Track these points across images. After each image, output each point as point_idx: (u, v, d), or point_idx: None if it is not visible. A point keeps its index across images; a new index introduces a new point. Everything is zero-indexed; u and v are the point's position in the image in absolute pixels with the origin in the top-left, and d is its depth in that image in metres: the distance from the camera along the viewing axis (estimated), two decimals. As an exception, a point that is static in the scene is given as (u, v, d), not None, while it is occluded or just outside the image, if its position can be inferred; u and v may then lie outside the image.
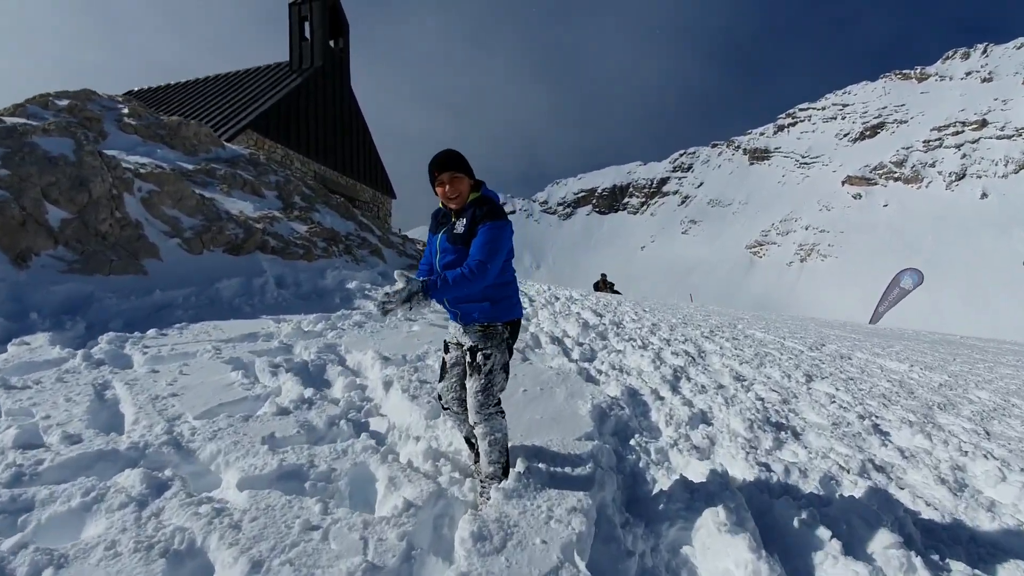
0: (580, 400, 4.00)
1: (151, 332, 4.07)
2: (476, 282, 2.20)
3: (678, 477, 3.12)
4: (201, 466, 2.54)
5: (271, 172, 8.69)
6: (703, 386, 5.33)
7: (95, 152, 5.42)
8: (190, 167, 7.45)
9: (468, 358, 2.47)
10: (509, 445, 2.98)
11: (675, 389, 5.10)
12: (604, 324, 7.87)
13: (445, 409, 2.86)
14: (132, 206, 5.65)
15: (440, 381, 2.82)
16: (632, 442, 3.72)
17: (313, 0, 20.43)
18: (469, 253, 2.32)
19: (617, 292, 19.68)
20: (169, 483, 2.23)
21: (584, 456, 3.04)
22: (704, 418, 4.46)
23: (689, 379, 5.53)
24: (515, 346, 5.38)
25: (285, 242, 6.78)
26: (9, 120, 5.33)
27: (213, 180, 7.45)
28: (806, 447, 4.08)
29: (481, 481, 2.57)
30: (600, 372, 5.23)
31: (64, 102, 7.20)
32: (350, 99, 22.19)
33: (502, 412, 2.51)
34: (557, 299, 10.05)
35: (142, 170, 6.04)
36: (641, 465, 3.37)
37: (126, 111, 7.89)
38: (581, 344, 6.26)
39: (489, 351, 2.42)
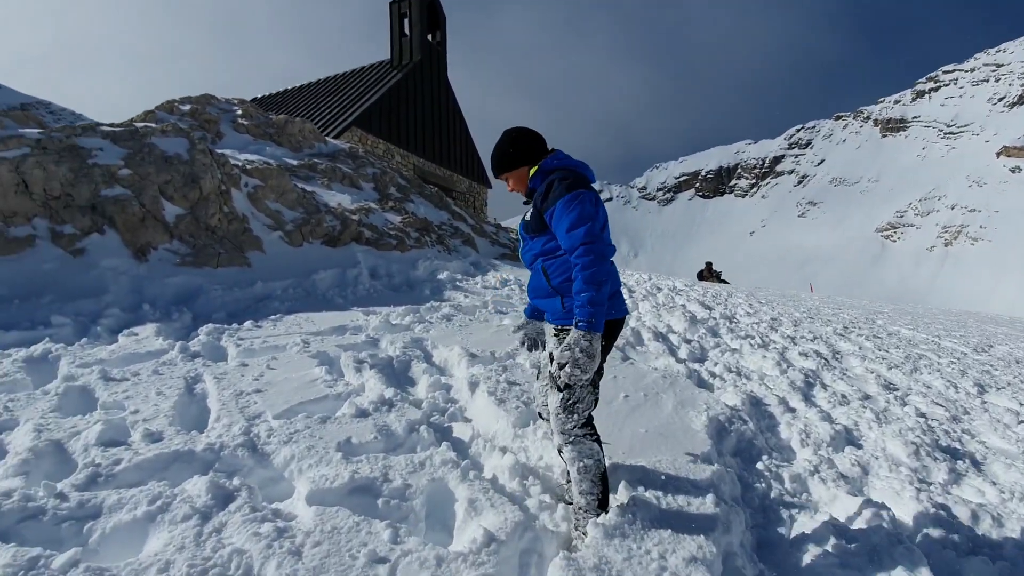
0: (692, 411, 3.42)
1: (247, 324, 4.11)
2: (595, 268, 1.76)
3: (826, 517, 2.48)
4: (275, 471, 2.37)
5: (368, 164, 8.85)
6: (844, 396, 4.46)
7: (206, 151, 5.69)
8: (294, 162, 7.74)
9: (550, 367, 2.05)
10: (608, 464, 2.53)
11: (808, 399, 4.30)
12: (714, 318, 7.06)
13: (539, 416, 2.48)
14: (239, 201, 5.90)
15: (536, 381, 2.44)
16: (760, 466, 3.09)
17: (411, -3, 20.88)
18: (557, 244, 1.95)
19: (725, 282, 18.16)
20: (236, 493, 2.06)
21: (701, 483, 2.50)
22: (850, 438, 3.67)
23: (825, 386, 4.67)
24: (618, 344, 4.89)
25: (379, 233, 6.78)
26: (138, 124, 5.74)
27: (315, 174, 7.68)
28: (994, 483, 3.17)
29: (576, 511, 2.14)
30: (713, 376, 4.56)
31: (187, 107, 7.81)
32: (447, 91, 22.50)
33: (593, 435, 2.07)
34: (659, 289, 9.28)
35: (249, 166, 6.30)
36: (773, 496, 2.75)
37: (240, 112, 8.40)
38: (689, 341, 5.58)
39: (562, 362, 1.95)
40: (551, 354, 2.09)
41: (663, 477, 2.52)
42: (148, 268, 4.92)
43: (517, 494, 2.44)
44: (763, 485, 2.85)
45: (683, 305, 7.90)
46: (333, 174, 7.86)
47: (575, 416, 2.00)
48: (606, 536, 2.03)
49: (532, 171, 2.03)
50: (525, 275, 7.51)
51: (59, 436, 2.37)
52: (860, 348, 6.45)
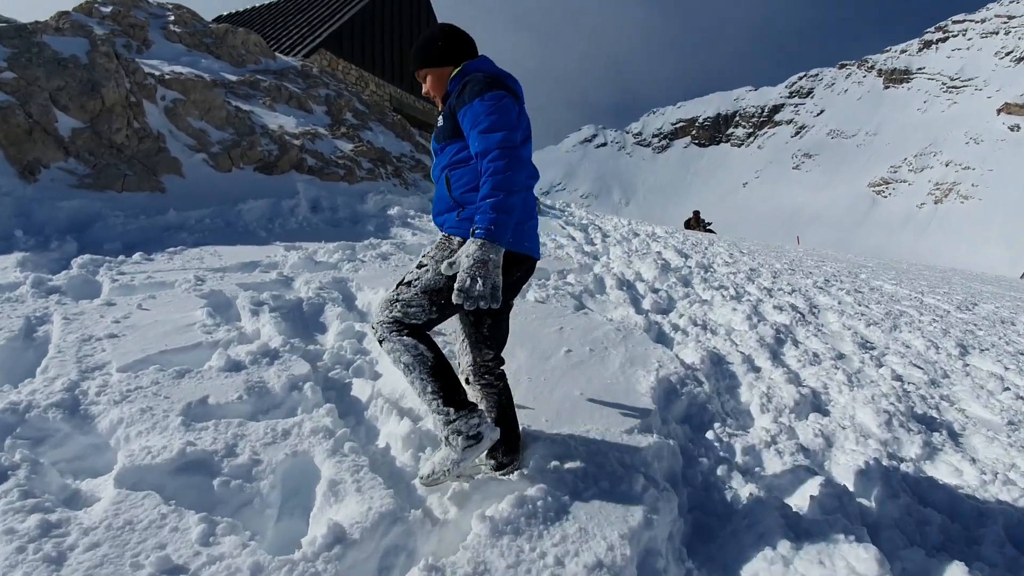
0: (642, 369, 2.97)
1: (136, 256, 3.53)
2: (509, 173, 1.51)
3: (777, 503, 2.08)
4: (98, 438, 1.89)
5: (322, 85, 7.96)
6: (816, 355, 4.06)
7: (111, 53, 4.87)
8: (233, 78, 6.88)
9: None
10: (524, 434, 2.08)
11: (776, 357, 3.89)
12: (689, 267, 6.59)
13: (464, 381, 1.99)
14: (154, 116, 5.14)
15: (459, 336, 2.07)
16: (710, 435, 2.68)
17: (390, -98, 18.84)
18: (468, 154, 1.69)
19: (711, 231, 17.66)
20: (12, 472, 1.57)
21: (633, 460, 2.08)
22: (817, 403, 3.27)
23: (796, 343, 4.26)
24: (572, 291, 4.40)
25: (325, 161, 6.08)
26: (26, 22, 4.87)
27: (256, 92, 6.85)
28: (973, 460, 2.81)
29: (435, 426, 1.78)
30: (676, 328, 4.12)
31: (108, 8, 6.80)
32: (428, 14, 20.84)
33: (408, 331, 1.71)
34: (636, 235, 8.76)
35: (168, 77, 5.48)
36: (719, 473, 2.34)
37: (172, 19, 7.39)
38: (657, 291, 5.11)
39: (426, 261, 1.76)
40: (420, 260, 1.80)
41: (586, 452, 2.08)
42: (37, 189, 4.25)
43: (405, 470, 1.99)
44: (710, 460, 2.44)
45: (658, 252, 7.41)
46: (278, 93, 7.02)
47: (388, 310, 1.71)
48: (493, 534, 1.59)
49: (454, 72, 1.77)
50: (487, 214, 6.92)
51: None
52: (839, 303, 6.06)
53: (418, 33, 20.03)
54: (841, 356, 4.20)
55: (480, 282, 1.45)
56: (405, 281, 1.75)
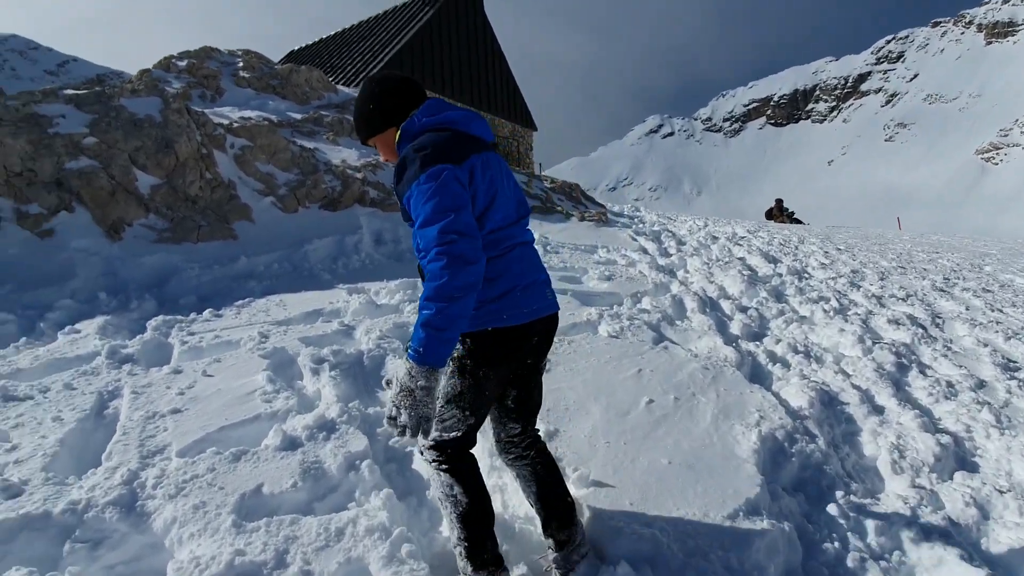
0: (739, 423, 2.56)
1: (206, 313, 3.58)
2: (445, 280, 1.31)
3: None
4: (154, 537, 1.81)
5: (383, 114, 8.01)
6: (950, 384, 3.41)
7: (182, 109, 5.09)
8: (298, 116, 7.08)
9: None
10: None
11: (901, 390, 3.29)
12: (780, 275, 5.94)
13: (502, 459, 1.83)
14: (224, 165, 5.32)
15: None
16: (832, 508, 2.23)
17: (442, -79, 19.10)
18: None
19: (798, 221, 16.28)
20: (59, 595, 1.49)
21: (743, 561, 1.72)
22: (962, 454, 2.69)
23: (924, 370, 3.61)
24: (649, 319, 4.01)
25: (387, 192, 6.07)
26: (104, 86, 5.20)
27: (320, 128, 7.00)
28: None
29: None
30: (773, 359, 3.62)
31: (184, 62, 7.24)
32: (485, 27, 20.88)
33: (447, 466, 1.57)
34: (715, 239, 8.10)
35: (236, 124, 5.68)
36: (851, 565, 1.91)
37: (241, 65, 7.75)
38: (745, 309, 4.59)
39: None
40: None
41: (682, 552, 1.74)
42: (122, 247, 4.48)
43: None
44: (835, 545, 2.01)
45: (741, 259, 6.77)
46: (340, 127, 7.14)
47: (429, 433, 1.44)
48: None
49: (398, 136, 1.57)
50: (552, 233, 6.63)
51: (-102, 491, 1.89)
52: (967, 308, 5.19)
53: (476, 46, 20.15)
54: (982, 384, 3.51)
55: (404, 413, 1.32)
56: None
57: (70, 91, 4.85)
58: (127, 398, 2.55)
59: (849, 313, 4.65)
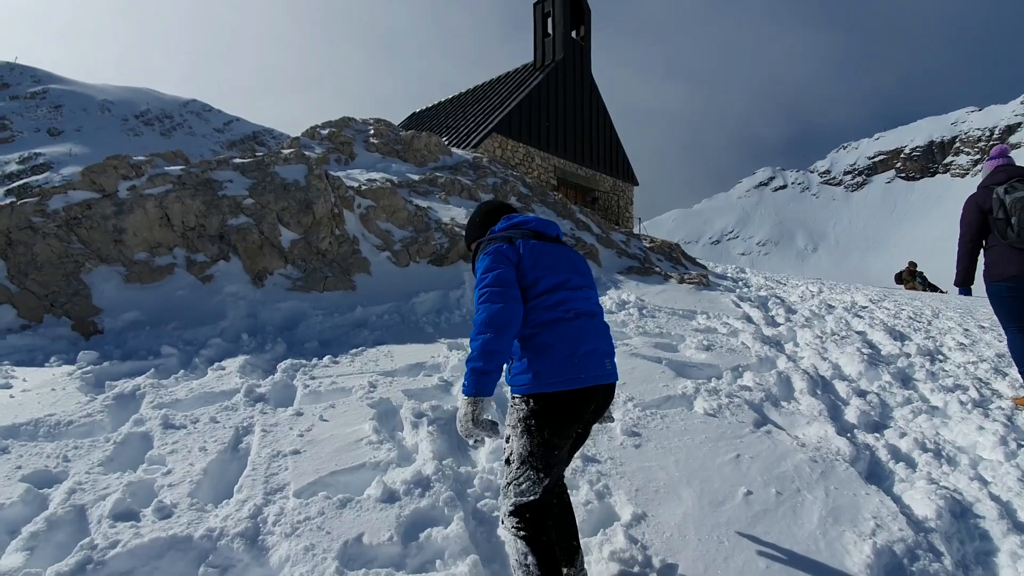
0: (851, 530, 2.35)
1: (326, 359, 3.98)
2: (486, 315, 1.65)
3: None
4: (270, 572, 2.03)
5: (490, 174, 8.59)
6: None
7: (322, 175, 5.85)
8: (416, 177, 7.78)
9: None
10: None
11: (1060, 510, 2.81)
12: (908, 354, 5.36)
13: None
14: (351, 222, 5.97)
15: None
16: (964, 650, 1.95)
17: (554, -6, 20.50)
18: None
19: (934, 288, 14.55)
20: (196, 616, 1.72)
21: None
22: None
23: (1092, 488, 3.05)
24: (750, 397, 3.81)
25: (489, 249, 6.42)
26: (264, 155, 6.11)
27: (434, 188, 7.63)
28: None
29: None
30: (895, 455, 3.26)
31: (326, 131, 8.33)
32: (590, 87, 21.71)
33: (523, 528, 1.70)
34: (831, 309, 7.51)
35: (364, 187, 6.38)
36: None
37: (372, 132, 8.75)
38: (864, 394, 4.19)
39: (508, 431, 1.80)
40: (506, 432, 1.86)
41: (777, 674, 1.62)
42: (264, 293, 5.15)
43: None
44: None
45: (862, 333, 6.21)
46: (452, 187, 7.74)
47: (506, 497, 1.74)
48: None
49: None
50: (649, 295, 6.55)
51: (85, 500, 2.30)
52: None
53: (583, 105, 20.93)
54: None
55: (470, 439, 1.66)
56: (504, 459, 1.80)
57: (238, 160, 5.82)
58: (257, 435, 2.91)
59: (991, 407, 4.07)
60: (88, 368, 3.66)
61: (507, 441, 1.78)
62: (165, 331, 4.49)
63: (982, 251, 4.08)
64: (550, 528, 1.73)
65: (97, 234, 4.89)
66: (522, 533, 1.68)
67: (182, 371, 3.76)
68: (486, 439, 1.73)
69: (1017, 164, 3.88)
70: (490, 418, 1.69)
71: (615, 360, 1.91)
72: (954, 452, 3.36)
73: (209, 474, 2.56)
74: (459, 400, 1.76)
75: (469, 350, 1.67)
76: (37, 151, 68.16)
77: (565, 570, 1.89)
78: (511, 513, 1.71)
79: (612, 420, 2.24)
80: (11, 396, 3.28)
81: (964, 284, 4.29)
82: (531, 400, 1.69)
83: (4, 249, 4.55)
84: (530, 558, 1.66)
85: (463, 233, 6.58)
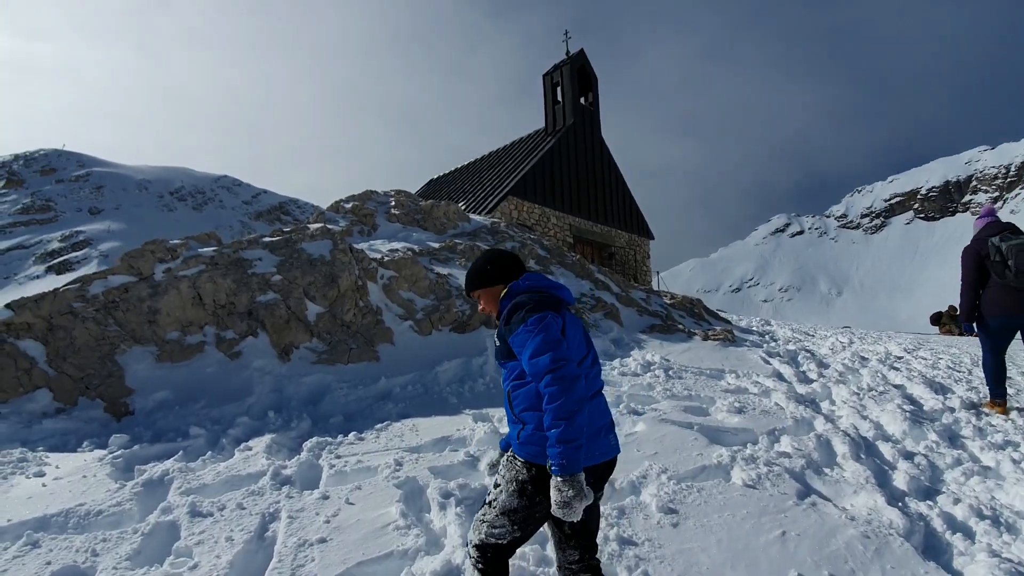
0: (914, 618, 2.16)
1: (351, 436, 3.96)
2: (563, 399, 1.62)
3: None
4: None
5: (508, 238, 8.77)
6: None
7: (346, 249, 6.04)
8: (436, 245, 7.98)
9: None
10: None
11: None
12: (952, 409, 5.12)
13: None
14: (374, 293, 6.09)
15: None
16: None
17: (563, 66, 21.58)
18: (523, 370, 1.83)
19: (973, 332, 14.01)
20: None
21: None
22: None
23: None
24: (790, 465, 3.65)
25: (510, 314, 6.45)
26: (291, 232, 6.35)
27: (454, 255, 7.80)
28: None
29: None
30: (952, 527, 3.05)
31: (350, 204, 8.68)
32: (601, 148, 22.38)
33: (482, 567, 1.86)
34: (864, 361, 7.28)
35: (386, 258, 6.56)
36: None
37: (393, 203, 9.09)
38: (911, 456, 3.98)
39: (499, 480, 1.89)
40: (496, 478, 1.94)
41: None
42: (289, 367, 5.20)
43: None
44: None
45: (900, 387, 5.97)
46: (472, 253, 7.90)
47: (476, 531, 1.87)
48: None
49: (503, 292, 1.96)
50: (674, 354, 6.45)
51: (112, 600, 2.26)
52: None
53: (595, 165, 21.52)
54: None
55: (571, 514, 1.59)
56: (487, 501, 1.88)
57: (267, 239, 6.07)
58: (284, 522, 2.86)
59: (1053, 467, 3.81)
60: (119, 452, 3.69)
61: (495, 487, 1.88)
62: (193, 410, 4.53)
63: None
64: (507, 567, 1.91)
65: (133, 315, 5.06)
66: (480, 566, 1.85)
67: (209, 452, 3.77)
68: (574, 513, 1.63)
69: (1003, 220, 4.78)
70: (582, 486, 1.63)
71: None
72: (1013, 518, 3.14)
73: (235, 567, 2.50)
74: (553, 486, 1.62)
75: (552, 427, 1.61)
76: (78, 229, 71.95)
77: None
78: (476, 546, 1.86)
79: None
80: (43, 485, 3.30)
81: (969, 320, 5.10)
82: (534, 469, 1.77)
83: (45, 334, 4.73)
84: None
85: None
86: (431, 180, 27.48)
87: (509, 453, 1.91)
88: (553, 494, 1.61)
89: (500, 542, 1.81)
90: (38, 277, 62.13)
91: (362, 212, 8.59)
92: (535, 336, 1.70)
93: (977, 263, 4.81)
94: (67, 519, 2.88)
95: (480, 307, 2.07)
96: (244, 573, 2.50)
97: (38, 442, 4.02)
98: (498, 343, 1.92)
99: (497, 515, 1.81)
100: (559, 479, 1.59)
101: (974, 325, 5.12)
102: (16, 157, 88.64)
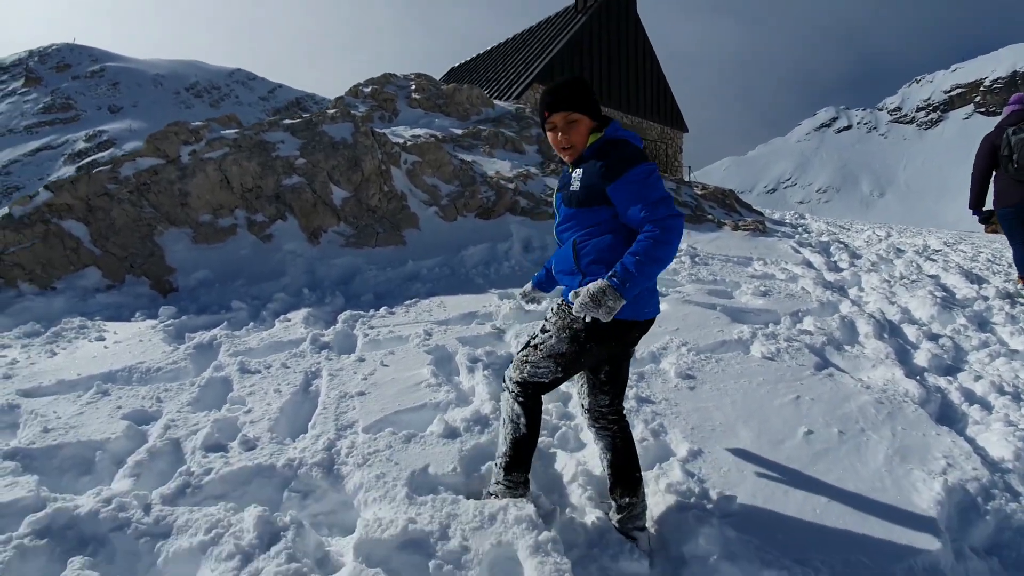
0: (919, 468, 2.29)
1: (382, 310, 4.12)
2: (666, 250, 1.62)
3: None
4: (346, 496, 2.19)
5: (534, 125, 8.42)
6: None
7: (368, 132, 5.90)
8: (459, 132, 7.73)
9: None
10: (627, 456, 1.97)
11: None
12: (986, 297, 5.02)
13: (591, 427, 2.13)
14: (398, 179, 6.04)
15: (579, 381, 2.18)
16: (1039, 583, 1.90)
17: (596, -71, 19.29)
18: (618, 215, 1.76)
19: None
20: (283, 532, 1.89)
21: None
22: None
23: None
24: (811, 341, 3.70)
25: (536, 201, 6.36)
26: (311, 115, 6.20)
27: (478, 142, 7.57)
28: None
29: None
30: (970, 399, 3.12)
31: (369, 88, 8.34)
32: (636, 28, 20.59)
33: (523, 400, 1.93)
34: (900, 252, 7.08)
35: (409, 143, 6.41)
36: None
37: (414, 88, 8.70)
38: (936, 338, 3.99)
39: (548, 327, 1.88)
40: (544, 324, 1.93)
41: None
42: (319, 250, 5.34)
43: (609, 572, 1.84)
44: (1044, 627, 1.72)
45: (934, 277, 5.84)
46: (496, 140, 7.65)
47: (517, 370, 1.92)
48: None
49: (594, 136, 1.80)
50: (702, 243, 6.35)
51: (180, 434, 2.53)
52: None
53: (628, 47, 19.93)
54: None
55: (599, 313, 1.59)
56: (532, 344, 1.91)
57: (287, 121, 5.95)
58: (325, 379, 3.09)
59: (1082, 350, 3.78)
60: (169, 322, 3.94)
61: (542, 331, 1.88)
62: (233, 287, 4.76)
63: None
64: (542, 401, 1.97)
65: (165, 198, 5.16)
66: (521, 399, 1.92)
67: (252, 323, 4.00)
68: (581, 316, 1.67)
69: None
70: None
71: None
72: (1034, 395, 3.18)
73: (285, 412, 2.75)
74: (595, 286, 1.59)
75: (639, 256, 1.58)
76: (100, 128, 71.80)
77: (627, 499, 1.92)
78: (517, 383, 1.91)
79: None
80: (105, 347, 3.60)
81: (973, 208, 4.98)
82: (591, 318, 1.68)
83: (86, 215, 4.89)
84: (522, 419, 1.92)
85: (509, 186, 6.53)
86: (452, 69, 26.01)
87: (561, 302, 1.90)
88: (594, 295, 1.57)
89: (542, 380, 1.87)
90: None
91: (382, 96, 8.28)
92: (656, 183, 1.68)
93: (989, 151, 4.68)
94: (131, 374, 3.16)
95: (556, 135, 1.81)
96: (293, 418, 2.75)
97: (94, 313, 4.32)
98: (576, 187, 1.79)
99: (542, 358, 1.84)
100: (609, 287, 1.56)
101: (982, 212, 4.98)
102: (31, 54, 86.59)
